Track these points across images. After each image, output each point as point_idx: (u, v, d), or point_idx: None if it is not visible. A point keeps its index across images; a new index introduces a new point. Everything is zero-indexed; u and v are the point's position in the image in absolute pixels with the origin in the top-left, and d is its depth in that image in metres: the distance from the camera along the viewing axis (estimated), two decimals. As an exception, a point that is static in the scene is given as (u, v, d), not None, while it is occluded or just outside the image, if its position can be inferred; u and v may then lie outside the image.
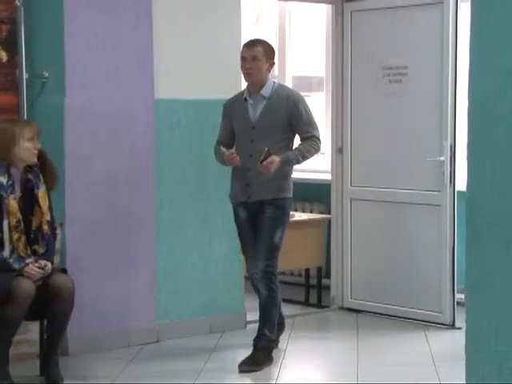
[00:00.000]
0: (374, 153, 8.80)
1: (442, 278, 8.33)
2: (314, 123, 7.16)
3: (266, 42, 7.15)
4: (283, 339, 8.00)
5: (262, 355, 7.10)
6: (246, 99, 7.10)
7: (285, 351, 7.69)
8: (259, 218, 7.07)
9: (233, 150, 6.93)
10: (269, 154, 6.68)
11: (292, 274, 9.88)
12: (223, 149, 7.00)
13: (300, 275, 9.64)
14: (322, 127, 9.99)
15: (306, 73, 11.15)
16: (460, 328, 7.33)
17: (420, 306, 8.48)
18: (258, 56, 6.81)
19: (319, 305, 9.24)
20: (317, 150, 7.15)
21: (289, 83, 11.06)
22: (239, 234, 7.31)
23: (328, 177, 9.35)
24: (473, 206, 5.07)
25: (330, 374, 7.49)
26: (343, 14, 8.95)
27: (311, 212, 9.72)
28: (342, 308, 9.09)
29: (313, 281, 9.39)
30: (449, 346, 7.55)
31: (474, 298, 5.15)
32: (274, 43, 10.98)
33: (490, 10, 4.92)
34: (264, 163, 6.69)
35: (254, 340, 7.18)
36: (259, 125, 6.96)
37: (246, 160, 7.02)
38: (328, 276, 9.31)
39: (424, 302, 8.46)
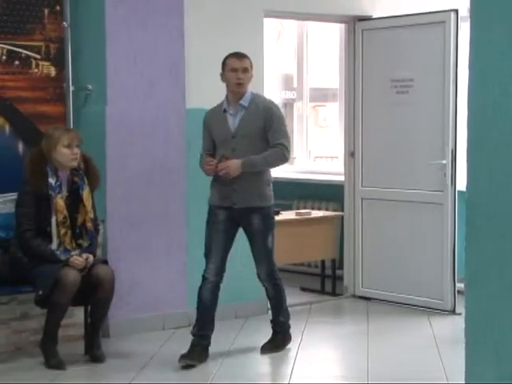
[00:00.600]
0: (383, 156, 8.79)
1: (443, 268, 8.33)
2: (284, 132, 6.79)
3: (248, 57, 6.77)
4: (302, 323, 8.03)
5: (280, 338, 7.05)
6: (225, 110, 6.72)
7: (302, 334, 7.69)
8: (246, 225, 6.82)
9: (210, 159, 6.64)
10: (226, 159, 6.48)
11: (309, 265, 9.90)
12: (208, 158, 6.72)
13: (316, 266, 9.63)
14: (335, 134, 10.15)
15: (321, 85, 11.16)
16: (460, 314, 7.32)
17: (424, 294, 8.47)
18: (248, 68, 6.56)
19: (333, 293, 9.19)
20: (282, 157, 6.75)
21: (306, 94, 11.16)
22: (209, 234, 6.80)
23: (341, 178, 9.31)
24: (472, 204, 5.04)
25: (343, 354, 7.51)
26: (355, 32, 8.94)
27: (326, 210, 9.69)
28: (354, 296, 9.08)
29: (328, 271, 9.33)
30: (450, 330, 7.54)
31: (472, 287, 5.12)
32: (294, 58, 11.06)
33: (488, 30, 4.89)
34: (219, 166, 6.47)
35: (272, 325, 7.12)
36: (239, 134, 6.61)
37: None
38: (341, 267, 9.27)
39: (427, 290, 8.45)
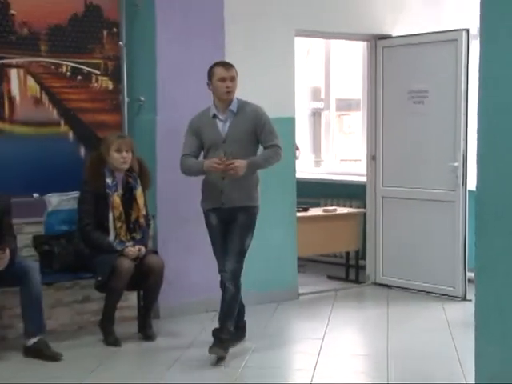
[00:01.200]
0: (401, 159, 8.77)
1: (455, 259, 8.31)
2: (276, 133, 6.40)
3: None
4: (328, 308, 8.04)
5: (225, 344, 6.31)
6: (214, 116, 6.35)
7: (329, 317, 7.69)
8: (231, 223, 6.37)
9: (213, 159, 6.18)
10: (228, 158, 6.10)
11: (335, 256, 9.86)
12: (197, 160, 6.41)
13: (341, 257, 9.61)
14: (358, 139, 10.18)
15: (346, 96, 11.15)
16: (470, 300, 7.27)
17: (438, 282, 8.45)
18: (234, 76, 6.25)
19: (357, 281, 9.20)
20: (279, 157, 6.39)
21: (333, 104, 11.13)
22: (211, 237, 6.52)
23: (363, 179, 9.30)
24: (481, 202, 5.08)
25: (366, 335, 7.51)
26: (376, 49, 8.94)
27: (350, 207, 9.67)
28: (375, 283, 9.06)
29: (352, 261, 9.36)
30: (461, 315, 7.48)
31: (481, 276, 5.16)
32: (321, 72, 11.07)
33: (495, 45, 4.92)
34: (228, 163, 6.02)
35: (216, 331, 6.39)
36: (229, 138, 6.24)
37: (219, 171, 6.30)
38: (364, 257, 9.26)
39: (441, 278, 8.43)
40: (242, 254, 6.38)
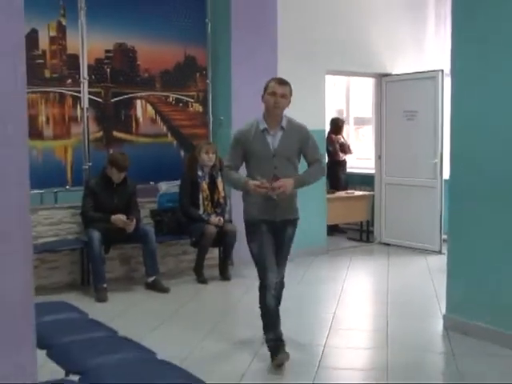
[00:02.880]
0: (398, 158, 8.76)
1: (434, 226, 8.34)
2: (319, 149, 4.97)
3: (289, 83, 4.84)
4: (348, 259, 8.07)
5: (284, 345, 4.63)
6: (263, 131, 4.74)
7: (348, 266, 7.74)
8: (280, 235, 4.80)
9: (258, 183, 4.55)
10: (276, 179, 4.57)
11: (354, 224, 9.68)
12: (240, 177, 4.78)
13: (357, 224, 9.51)
14: (369, 145, 10.03)
15: (361, 115, 11.18)
16: (444, 253, 7.33)
17: (422, 241, 8.47)
18: (287, 94, 4.74)
19: (368, 241, 9.20)
20: (323, 172, 5.02)
21: (351, 120, 11.05)
22: (259, 246, 4.68)
23: (373, 171, 9.28)
24: (452, 187, 5.26)
25: (374, 278, 7.48)
26: (381, 83, 8.97)
27: (364, 191, 9.59)
28: (380, 243, 9.05)
29: (364, 227, 9.34)
30: (438, 263, 7.48)
31: (452, 237, 5.29)
32: (344, 98, 11.13)
33: (462, 81, 5.10)
34: (275, 185, 4.49)
35: (273, 340, 4.61)
36: (279, 153, 4.70)
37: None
38: (372, 225, 9.26)
39: (425, 239, 8.44)
40: (287, 259, 4.96)
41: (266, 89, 4.76)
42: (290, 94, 4.79)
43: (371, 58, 8.76)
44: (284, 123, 4.76)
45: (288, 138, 4.74)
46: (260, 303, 4.69)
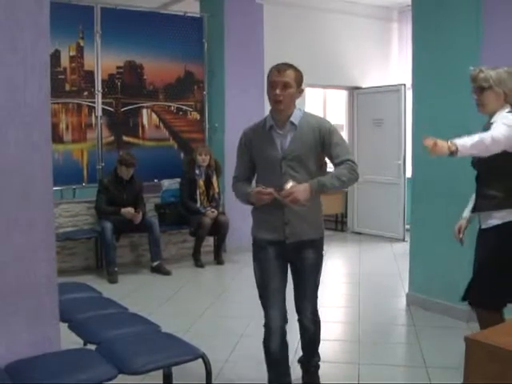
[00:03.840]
0: (368, 159, 8.69)
1: (399, 217, 8.34)
2: (348, 147, 3.33)
3: (296, 67, 3.24)
4: (327, 246, 8.14)
5: (316, 376, 3.61)
6: (270, 129, 3.25)
7: (326, 252, 7.77)
8: (295, 260, 3.32)
9: (259, 189, 3.14)
10: (280, 190, 3.09)
11: (330, 216, 9.37)
12: (246, 188, 3.28)
13: (332, 216, 9.37)
14: None
15: (336, 121, 11.16)
16: (407, 241, 7.40)
17: (388, 230, 8.46)
18: (289, 82, 3.13)
19: (342, 230, 9.18)
20: (356, 176, 3.20)
21: None
22: (263, 275, 3.27)
23: None
24: (414, 184, 5.32)
25: (347, 260, 7.49)
26: (353, 94, 9.00)
27: None
28: (352, 232, 9.04)
29: (339, 219, 9.30)
30: (401, 249, 7.48)
31: (414, 226, 5.34)
32: (321, 107, 11.11)
33: (421, 94, 5.17)
34: (282, 193, 3.04)
35: (305, 363, 3.62)
36: (290, 155, 3.20)
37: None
38: (346, 216, 9.24)
39: (390, 228, 8.44)
40: (316, 292, 3.43)
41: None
42: (298, 80, 3.17)
43: (344, 73, 8.81)
44: (295, 118, 3.23)
45: (302, 137, 3.22)
46: (263, 342, 3.32)
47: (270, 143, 3.27)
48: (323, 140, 3.23)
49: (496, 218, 3.19)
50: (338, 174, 3.17)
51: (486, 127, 3.20)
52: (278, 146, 3.26)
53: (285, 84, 3.16)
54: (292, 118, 3.25)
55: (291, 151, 3.23)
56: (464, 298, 3.38)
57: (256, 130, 3.35)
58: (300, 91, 3.24)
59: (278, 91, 3.16)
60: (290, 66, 3.21)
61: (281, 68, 3.20)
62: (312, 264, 3.37)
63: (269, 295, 3.27)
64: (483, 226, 3.28)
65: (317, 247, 3.40)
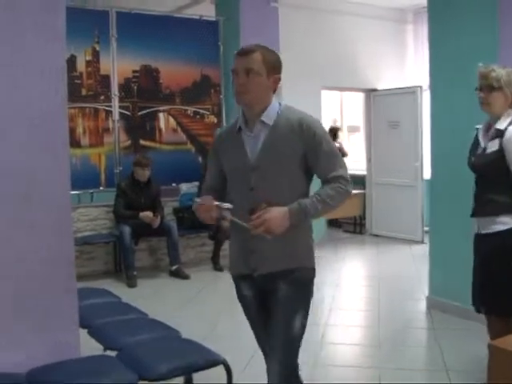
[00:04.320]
0: (385, 161, 8.71)
1: (417, 219, 8.29)
2: (339, 158, 2.52)
3: (267, 48, 2.50)
4: (345, 248, 8.06)
5: None
6: (240, 129, 2.53)
7: (345, 253, 7.75)
8: (270, 297, 2.55)
9: (201, 200, 2.47)
10: (254, 211, 2.38)
11: (349, 218, 9.44)
12: (197, 199, 2.52)
13: (351, 219, 9.35)
14: (361, 150, 9.84)
15: (353, 123, 11.13)
16: (426, 243, 7.39)
17: (407, 232, 8.38)
18: (254, 68, 2.41)
19: (360, 232, 9.14)
20: (346, 196, 2.49)
21: (345, 128, 10.86)
22: (247, 317, 2.72)
23: (364, 172, 9.21)
24: (432, 186, 5.31)
25: (365, 261, 7.51)
26: (370, 96, 8.94)
27: (356, 189, 9.05)
28: (371, 234, 9.00)
29: (357, 221, 9.26)
30: (420, 252, 7.41)
31: (432, 229, 5.32)
32: (339, 109, 11.08)
33: (439, 96, 5.13)
34: (254, 222, 2.33)
35: None
36: (262, 164, 2.46)
37: (244, 216, 2.40)
38: (364, 219, 9.21)
39: (409, 230, 8.37)
40: (291, 344, 2.54)
41: None
42: (269, 65, 2.45)
43: (360, 75, 8.76)
44: (269, 116, 2.47)
45: (278, 140, 2.45)
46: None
47: (239, 148, 2.52)
48: (306, 144, 2.44)
49: (501, 224, 3.14)
50: (324, 196, 2.42)
51: (491, 132, 3.16)
52: (248, 152, 2.50)
53: (248, 70, 2.41)
54: (264, 116, 2.48)
55: (262, 159, 2.46)
56: (474, 305, 3.34)
57: (229, 131, 2.63)
58: (275, 79, 2.49)
59: (241, 79, 2.42)
60: (258, 48, 2.47)
61: (243, 51, 2.45)
62: (286, 299, 2.48)
63: (259, 335, 2.68)
64: (484, 231, 3.24)
65: (295, 279, 2.49)
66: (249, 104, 2.48)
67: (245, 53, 2.45)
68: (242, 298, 2.69)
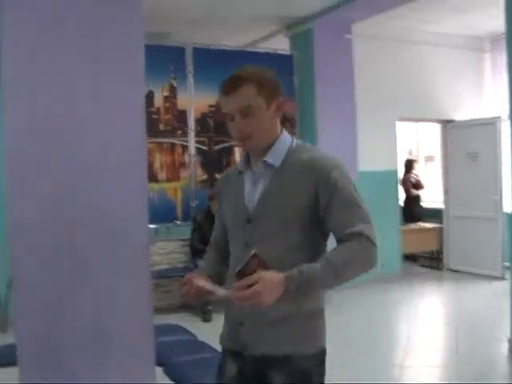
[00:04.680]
0: (464, 193, 8.52)
1: (497, 254, 8.03)
2: (360, 209, 1.83)
3: (256, 70, 2.00)
4: (422, 284, 7.93)
5: None
6: (240, 173, 2.04)
7: (421, 291, 7.59)
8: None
9: (187, 279, 1.90)
10: (257, 266, 1.67)
11: (426, 253, 9.30)
12: (207, 262, 2.13)
13: (428, 253, 9.19)
14: (438, 180, 9.78)
15: (429, 153, 10.88)
16: (506, 279, 7.16)
17: (486, 268, 8.14)
18: (250, 105, 1.91)
19: (437, 267, 8.91)
20: (365, 261, 1.78)
21: (422, 158, 10.72)
22: None
23: (441, 206, 9.02)
24: None
25: (444, 300, 7.33)
26: (447, 127, 8.81)
27: (433, 223, 9.20)
28: (448, 269, 8.76)
29: (434, 255, 9.08)
30: (501, 288, 7.15)
31: None
32: (415, 139, 10.98)
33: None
34: (241, 294, 1.67)
35: None
36: (259, 215, 1.89)
37: (235, 280, 1.73)
38: (441, 253, 8.97)
39: (488, 266, 8.13)
40: None
41: None
42: (266, 93, 1.98)
43: (436, 106, 8.63)
44: (275, 155, 1.99)
45: (283, 185, 1.95)
46: None
47: (237, 194, 2.04)
48: (318, 190, 1.89)
49: None
50: (337, 263, 1.79)
51: None
52: (246, 198, 2.00)
53: (243, 110, 1.95)
54: (268, 155, 1.98)
55: (261, 209, 1.95)
56: None
57: (231, 173, 2.17)
58: (277, 106, 2.00)
59: (239, 125, 1.96)
60: (246, 75, 1.98)
61: (231, 87, 1.98)
62: None
63: None
64: None
65: (294, 369, 1.88)
66: (256, 147, 2.00)
67: (233, 89, 1.95)
68: (222, 376, 2.04)
